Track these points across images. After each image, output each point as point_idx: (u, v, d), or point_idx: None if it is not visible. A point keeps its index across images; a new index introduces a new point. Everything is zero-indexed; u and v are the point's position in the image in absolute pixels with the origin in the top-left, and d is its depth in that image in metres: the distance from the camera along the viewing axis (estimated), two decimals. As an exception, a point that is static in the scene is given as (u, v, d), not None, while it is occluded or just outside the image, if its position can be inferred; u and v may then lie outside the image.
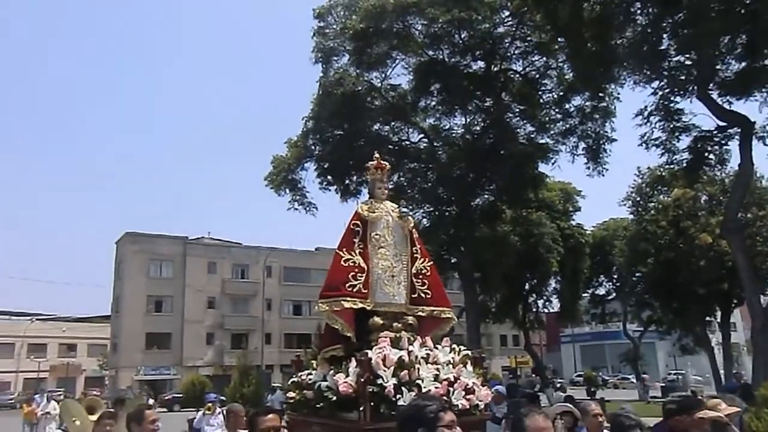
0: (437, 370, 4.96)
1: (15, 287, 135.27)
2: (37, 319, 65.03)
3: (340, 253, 5.42)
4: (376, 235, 5.63)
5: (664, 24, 19.62)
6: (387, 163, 6.17)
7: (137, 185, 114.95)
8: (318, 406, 4.98)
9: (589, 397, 37.43)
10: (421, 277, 5.73)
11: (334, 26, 28.06)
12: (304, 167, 31.11)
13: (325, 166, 30.57)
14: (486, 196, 32.78)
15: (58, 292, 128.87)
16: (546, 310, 46.00)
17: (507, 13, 27.14)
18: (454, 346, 5.46)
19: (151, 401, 28.10)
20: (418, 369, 4.82)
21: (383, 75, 29.83)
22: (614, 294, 44.89)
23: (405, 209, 6.12)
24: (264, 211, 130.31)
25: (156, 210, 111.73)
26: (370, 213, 5.69)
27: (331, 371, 4.99)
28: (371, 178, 6.08)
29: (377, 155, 6.12)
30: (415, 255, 5.81)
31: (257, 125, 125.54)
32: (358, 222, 5.61)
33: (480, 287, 38.25)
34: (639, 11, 20.11)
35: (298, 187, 31.25)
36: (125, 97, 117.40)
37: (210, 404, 11.44)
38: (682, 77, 19.90)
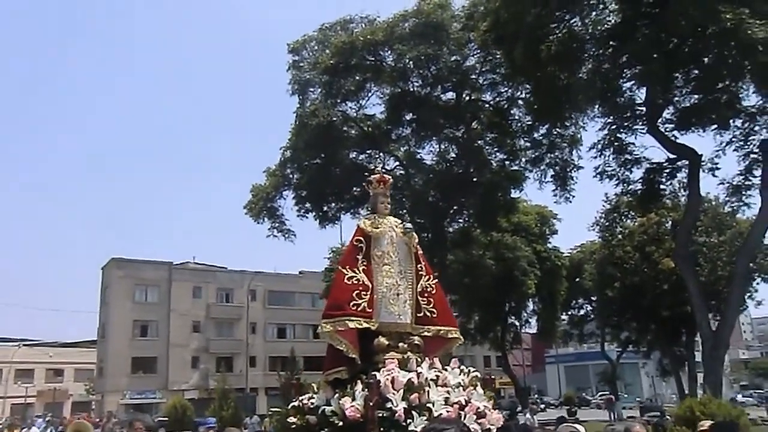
0: (447, 392, 4.75)
1: (1, 313, 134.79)
2: (24, 345, 64.98)
3: (344, 270, 5.20)
4: (380, 251, 5.40)
5: (620, 61, 20.67)
6: (390, 177, 5.99)
7: (124, 211, 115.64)
8: None
9: (569, 417, 38.07)
10: (426, 295, 5.51)
11: (309, 60, 29.00)
12: (282, 195, 31.83)
13: (303, 194, 31.30)
14: (459, 221, 33.60)
15: (45, 318, 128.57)
16: (524, 331, 46.72)
17: (475, 46, 28.09)
18: (462, 367, 5.30)
19: (138, 423, 28.36)
20: (428, 392, 4.59)
21: (358, 105, 30.76)
22: (592, 315, 45.70)
23: (409, 224, 5.80)
24: (248, 236, 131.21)
25: (142, 236, 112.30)
26: (373, 228, 5.43)
27: (336, 395, 4.72)
28: (374, 192, 5.84)
29: (379, 169, 6.03)
30: (420, 272, 5.58)
31: (242, 151, 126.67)
32: (362, 238, 5.37)
33: (457, 310, 38.98)
34: (593, 50, 21.16)
35: (276, 214, 31.88)
36: (111, 122, 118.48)
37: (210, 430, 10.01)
38: (629, 114, 20.89)
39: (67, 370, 66.39)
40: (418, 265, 5.59)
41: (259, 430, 27.49)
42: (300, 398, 5.24)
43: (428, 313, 5.44)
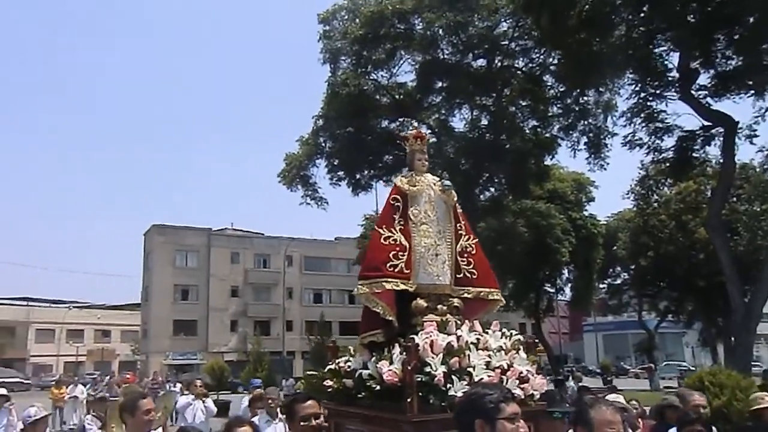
0: (488, 356, 4.56)
1: (54, 278, 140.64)
2: (74, 307, 68.54)
3: (380, 230, 5.05)
4: (418, 210, 5.22)
5: (651, 27, 19.97)
6: (426, 133, 5.83)
7: (165, 179, 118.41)
8: (359, 395, 4.63)
9: (605, 386, 38.12)
10: (466, 255, 5.27)
11: (339, 29, 28.85)
12: (315, 164, 32.05)
13: (335, 163, 31.48)
14: (491, 189, 33.36)
15: (93, 282, 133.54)
16: (559, 299, 46.48)
17: (507, 11, 27.49)
18: (504, 330, 5.02)
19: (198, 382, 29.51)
20: (468, 356, 4.42)
21: (389, 73, 30.54)
22: (627, 285, 45.07)
23: (448, 182, 5.57)
24: (284, 202, 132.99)
25: (182, 202, 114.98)
26: (411, 187, 5.25)
27: (373, 358, 4.62)
28: (410, 148, 5.58)
29: (415, 124, 6.13)
30: (459, 232, 5.35)
31: (281, 119, 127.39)
32: (398, 196, 5.19)
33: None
34: (625, 14, 20.45)
35: (309, 182, 32.17)
36: (152, 94, 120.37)
37: (258, 391, 9.04)
38: (660, 81, 20.23)
39: (114, 331, 69.64)
40: (458, 224, 5.34)
41: (293, 391, 28.41)
42: (336, 361, 5.19)
43: (468, 274, 5.21)
